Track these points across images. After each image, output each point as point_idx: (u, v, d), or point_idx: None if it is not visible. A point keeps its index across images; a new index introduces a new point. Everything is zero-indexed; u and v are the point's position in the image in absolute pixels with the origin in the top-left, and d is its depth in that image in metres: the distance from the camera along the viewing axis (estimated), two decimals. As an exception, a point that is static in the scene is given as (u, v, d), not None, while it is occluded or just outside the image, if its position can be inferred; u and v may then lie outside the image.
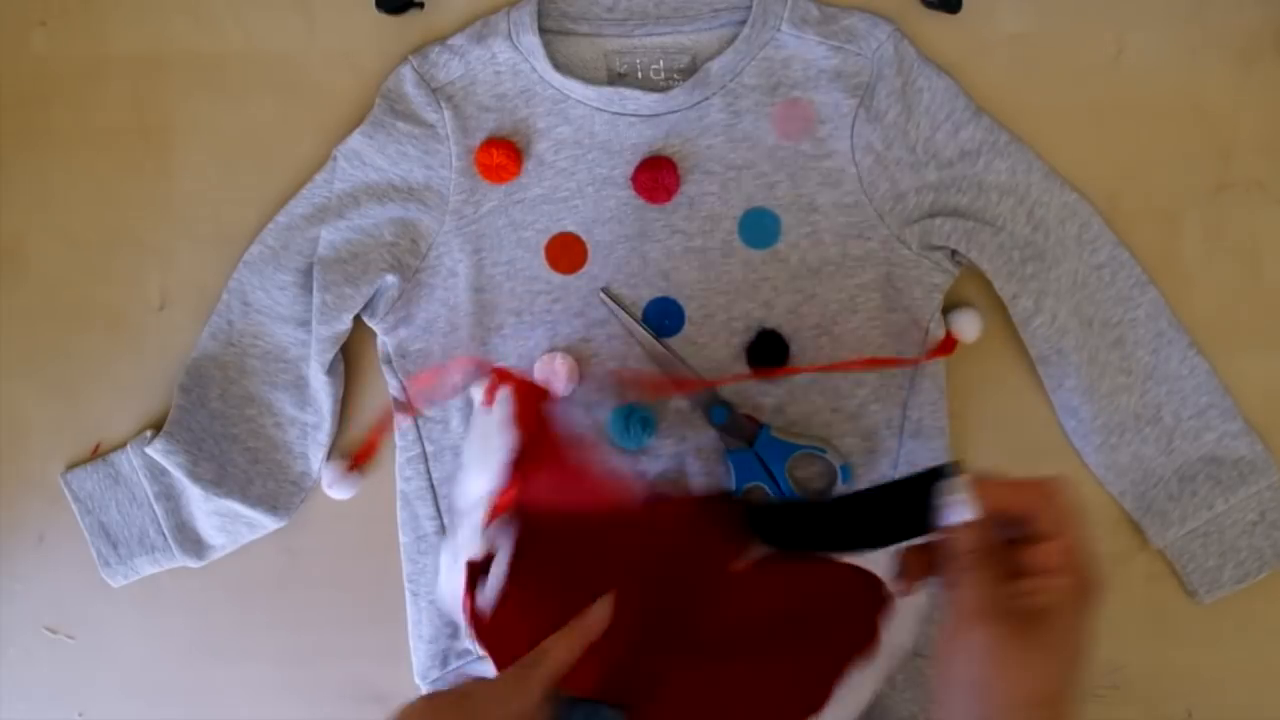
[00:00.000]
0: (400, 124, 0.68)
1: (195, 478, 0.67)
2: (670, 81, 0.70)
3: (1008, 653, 0.45)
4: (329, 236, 0.69)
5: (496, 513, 0.55)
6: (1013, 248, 0.68)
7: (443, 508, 0.69)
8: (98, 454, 0.71)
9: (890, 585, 0.53)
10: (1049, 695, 0.45)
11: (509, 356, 0.69)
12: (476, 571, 0.55)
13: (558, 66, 0.69)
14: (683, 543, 0.55)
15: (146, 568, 0.71)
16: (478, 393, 0.58)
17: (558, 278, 0.69)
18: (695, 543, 0.55)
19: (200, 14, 0.71)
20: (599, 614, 0.52)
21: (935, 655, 0.48)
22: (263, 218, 0.70)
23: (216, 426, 0.69)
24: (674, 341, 0.69)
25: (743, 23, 0.69)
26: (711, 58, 0.68)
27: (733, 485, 0.67)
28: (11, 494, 0.72)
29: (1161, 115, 0.71)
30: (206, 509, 0.69)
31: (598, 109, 0.69)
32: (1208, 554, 0.69)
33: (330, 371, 0.69)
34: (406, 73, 0.69)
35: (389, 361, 0.70)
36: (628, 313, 0.67)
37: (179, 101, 0.71)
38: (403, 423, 0.69)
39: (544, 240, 0.69)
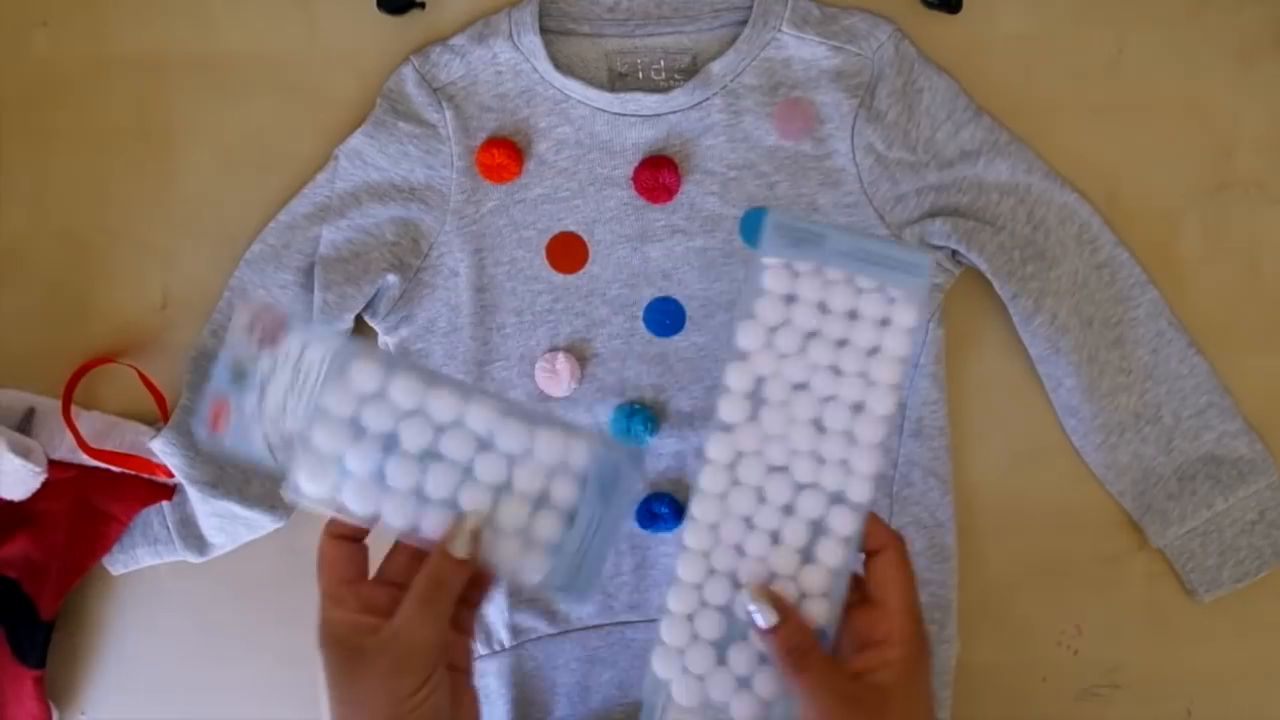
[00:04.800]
0: (402, 124, 0.69)
1: (191, 480, 0.67)
2: (671, 82, 0.70)
3: None
4: (330, 236, 0.69)
5: None
6: (1013, 247, 0.68)
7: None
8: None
9: None
10: None
11: (510, 356, 0.69)
12: None
13: (559, 67, 0.69)
14: None
15: (147, 559, 0.71)
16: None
17: (559, 277, 0.69)
18: None
19: (201, 14, 0.71)
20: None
21: None
22: (264, 217, 0.70)
23: (218, 426, 0.69)
24: (674, 341, 0.69)
25: (743, 23, 0.69)
26: (712, 58, 0.68)
27: None
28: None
29: (1161, 115, 0.71)
30: (204, 510, 0.69)
31: (599, 109, 0.69)
32: (1207, 553, 0.69)
33: (331, 371, 0.69)
34: (408, 73, 0.69)
35: (390, 361, 0.70)
36: None
37: (180, 101, 0.71)
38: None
39: (545, 240, 0.69)
